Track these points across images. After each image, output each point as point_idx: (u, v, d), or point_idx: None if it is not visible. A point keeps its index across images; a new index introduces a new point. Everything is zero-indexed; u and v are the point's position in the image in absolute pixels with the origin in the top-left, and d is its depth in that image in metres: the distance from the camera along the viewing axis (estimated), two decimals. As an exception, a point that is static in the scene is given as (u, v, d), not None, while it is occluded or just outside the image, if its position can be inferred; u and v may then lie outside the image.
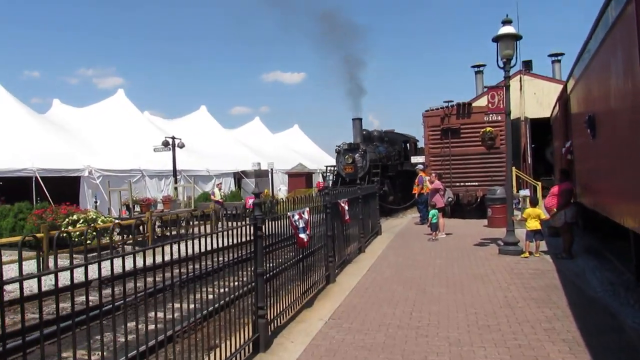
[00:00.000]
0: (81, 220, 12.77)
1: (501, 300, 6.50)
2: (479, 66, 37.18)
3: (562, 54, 34.67)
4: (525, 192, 14.58)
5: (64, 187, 23.55)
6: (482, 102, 27.44)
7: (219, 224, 5.57)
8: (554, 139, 15.10)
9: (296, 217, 5.96)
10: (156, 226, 16.59)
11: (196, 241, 4.14)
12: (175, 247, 3.98)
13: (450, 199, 13.49)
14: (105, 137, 28.64)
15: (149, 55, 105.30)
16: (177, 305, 4.12)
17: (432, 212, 12.78)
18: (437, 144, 18.34)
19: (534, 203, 9.57)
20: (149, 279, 3.65)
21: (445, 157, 18.17)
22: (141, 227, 14.57)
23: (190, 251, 4.06)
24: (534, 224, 9.35)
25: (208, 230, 4.48)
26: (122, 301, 3.52)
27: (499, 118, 17.60)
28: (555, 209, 9.24)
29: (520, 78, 32.39)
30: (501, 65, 9.77)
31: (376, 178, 18.95)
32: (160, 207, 16.30)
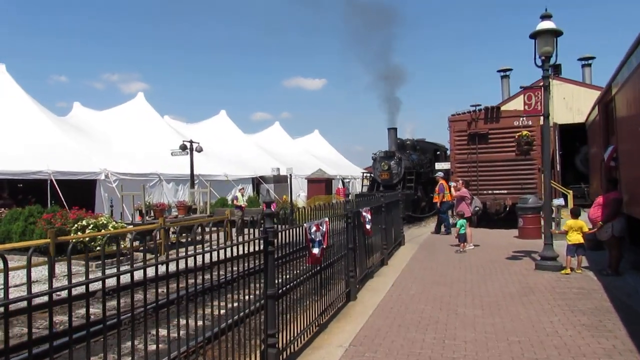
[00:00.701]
0: (91, 226, 12.26)
1: (547, 326, 5.68)
2: (505, 70, 36.17)
3: (592, 58, 33.42)
4: (560, 202, 13.63)
5: (81, 191, 23.31)
6: (511, 106, 26.55)
7: (234, 233, 4.89)
8: (591, 144, 14.13)
9: (313, 228, 5.26)
10: (170, 232, 16.08)
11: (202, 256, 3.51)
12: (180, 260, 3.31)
13: (477, 209, 12.61)
14: (124, 140, 28.44)
15: (172, 63, 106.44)
16: (173, 326, 3.46)
17: (460, 221, 11.94)
18: (463, 150, 17.49)
19: (576, 214, 8.68)
20: (144, 295, 2.99)
21: (471, 163, 17.30)
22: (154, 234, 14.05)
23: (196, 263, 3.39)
24: (576, 237, 8.47)
25: (222, 238, 3.82)
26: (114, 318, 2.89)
27: (530, 122, 16.83)
28: (600, 221, 8.36)
29: (549, 82, 31.36)
30: (539, 63, 8.95)
31: (411, 184, 19.59)
32: (174, 212, 15.76)
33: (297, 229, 5.12)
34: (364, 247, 8.58)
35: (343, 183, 39.86)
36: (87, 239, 11.89)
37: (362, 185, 24.52)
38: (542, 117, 9.01)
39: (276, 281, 4.45)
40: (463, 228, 11.74)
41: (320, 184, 33.27)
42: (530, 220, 13.51)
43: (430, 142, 26.48)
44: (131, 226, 13.62)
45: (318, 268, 5.81)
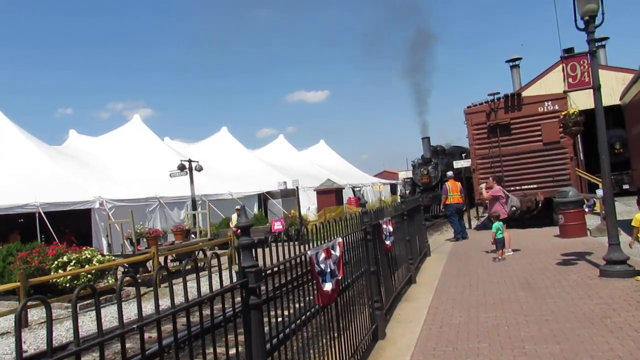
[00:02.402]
0: (73, 262, 10.76)
1: (662, 367, 4.02)
2: (514, 60, 34.47)
3: (606, 38, 31.62)
4: (602, 193, 11.93)
5: (78, 222, 22.00)
6: (531, 91, 24.85)
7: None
8: (632, 124, 12.43)
9: (322, 256, 3.68)
10: (168, 260, 14.55)
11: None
12: None
13: (514, 208, 10.93)
14: (121, 165, 27.16)
15: (176, 87, 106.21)
16: None
17: (496, 224, 10.25)
18: (484, 144, 15.85)
19: (647, 205, 7.02)
20: None
21: (494, 158, 15.64)
22: (148, 264, 12.55)
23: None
24: (651, 235, 6.80)
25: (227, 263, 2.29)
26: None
27: (557, 107, 15.16)
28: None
29: (563, 67, 29.62)
30: (581, 25, 7.35)
31: None
32: (171, 238, 14.24)
33: (301, 260, 3.54)
34: (388, 266, 6.97)
35: (354, 192, 38.25)
36: (68, 277, 10.41)
37: (405, 190, 29.63)
38: (591, 90, 7.37)
39: (267, 341, 2.87)
40: (500, 232, 10.06)
41: (330, 194, 31.65)
42: (573, 216, 11.81)
43: (458, 146, 28.79)
44: (121, 258, 12.10)
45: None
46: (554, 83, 28.42)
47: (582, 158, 23.83)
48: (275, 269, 3.22)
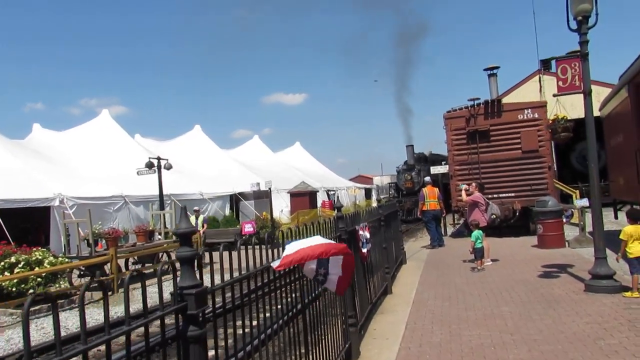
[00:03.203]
0: (21, 264, 9.90)
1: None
2: (492, 68, 34.41)
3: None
4: (584, 202, 11.67)
5: (36, 220, 20.87)
6: (511, 99, 24.78)
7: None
8: (611, 136, 12.22)
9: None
10: (130, 263, 13.72)
11: None
12: None
13: (494, 216, 10.52)
14: (86, 161, 26.04)
15: (152, 85, 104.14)
16: None
17: (475, 233, 9.82)
18: (462, 150, 15.51)
19: (636, 218, 6.62)
20: None
21: (473, 164, 15.32)
22: (106, 267, 11.73)
23: None
24: (639, 249, 6.42)
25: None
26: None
27: (536, 115, 14.93)
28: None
29: (540, 78, 29.73)
30: (574, 26, 6.96)
31: None
32: (133, 239, 13.41)
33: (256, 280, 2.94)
34: (364, 275, 6.43)
35: (328, 195, 37.77)
36: (15, 280, 9.55)
37: (389, 192, 32.21)
38: (582, 94, 6.98)
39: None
40: (479, 241, 9.63)
41: (303, 197, 31.10)
42: (552, 226, 11.49)
43: (439, 154, 29.72)
44: (76, 260, 11.25)
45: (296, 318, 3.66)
46: (530, 93, 28.63)
47: (555, 168, 23.88)
48: (232, 284, 2.62)
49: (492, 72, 35.54)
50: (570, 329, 5.38)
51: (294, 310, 3.53)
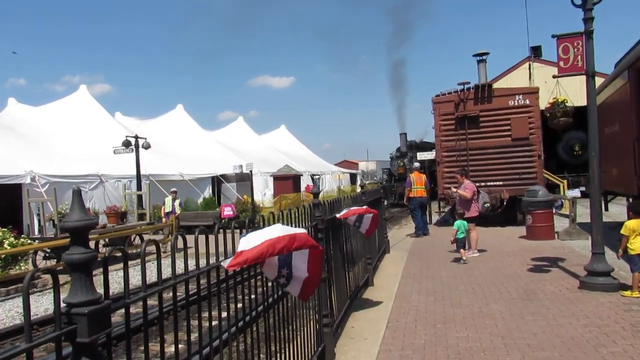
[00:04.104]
0: (-23, 245, 9.19)
1: None
2: (481, 54, 33.88)
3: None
4: (575, 193, 11.29)
5: (8, 200, 19.96)
6: (501, 84, 24.27)
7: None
8: (603, 125, 11.72)
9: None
10: (100, 245, 13.03)
11: None
12: None
13: (486, 205, 9.97)
14: (61, 138, 25.05)
15: (140, 66, 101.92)
16: None
17: (458, 222, 9.32)
18: (451, 136, 14.98)
19: (639, 211, 6.14)
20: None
21: (461, 151, 14.81)
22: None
23: None
24: (642, 244, 5.94)
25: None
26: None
27: (527, 101, 14.44)
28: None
29: (530, 65, 29.24)
30: (578, 2, 6.38)
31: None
32: (104, 220, 12.71)
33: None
34: (343, 266, 5.87)
35: (313, 179, 37.18)
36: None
37: (382, 176, 34.72)
38: (584, 76, 6.43)
39: None
40: (461, 231, 9.16)
41: (287, 181, 30.47)
42: (542, 217, 11.06)
43: (431, 142, 29.99)
44: (39, 242, 10.54)
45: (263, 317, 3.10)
46: (520, 79, 28.16)
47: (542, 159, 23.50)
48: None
49: (481, 57, 35.04)
50: (567, 332, 4.89)
51: (252, 314, 2.94)
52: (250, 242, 2.50)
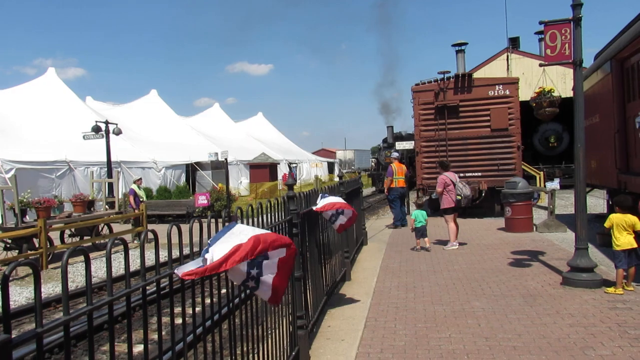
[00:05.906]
0: None
1: None
2: (460, 44, 33.82)
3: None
4: (554, 185, 11.17)
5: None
6: (481, 73, 24.17)
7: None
8: (588, 115, 11.60)
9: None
10: (66, 235, 12.46)
11: None
12: None
13: (459, 197, 9.67)
14: (28, 123, 24.12)
15: (114, 50, 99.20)
16: None
17: (416, 212, 9.28)
18: (430, 126, 14.75)
19: (625, 205, 5.95)
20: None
21: (440, 141, 14.61)
22: (35, 240, 10.49)
23: None
24: (627, 240, 5.76)
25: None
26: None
27: (507, 92, 14.29)
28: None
29: (508, 56, 29.22)
30: (567, -15, 6.12)
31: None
32: (69, 208, 12.13)
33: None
34: (320, 261, 5.56)
35: (290, 168, 36.79)
36: None
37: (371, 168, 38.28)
38: (570, 65, 6.20)
39: None
40: (419, 220, 9.08)
41: (264, 169, 30.02)
42: (521, 209, 10.93)
43: (412, 134, 34.68)
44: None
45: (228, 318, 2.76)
46: (498, 70, 28.14)
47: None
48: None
49: (460, 47, 34.97)
50: (552, 333, 4.67)
51: (212, 319, 2.60)
52: (217, 252, 2.14)
